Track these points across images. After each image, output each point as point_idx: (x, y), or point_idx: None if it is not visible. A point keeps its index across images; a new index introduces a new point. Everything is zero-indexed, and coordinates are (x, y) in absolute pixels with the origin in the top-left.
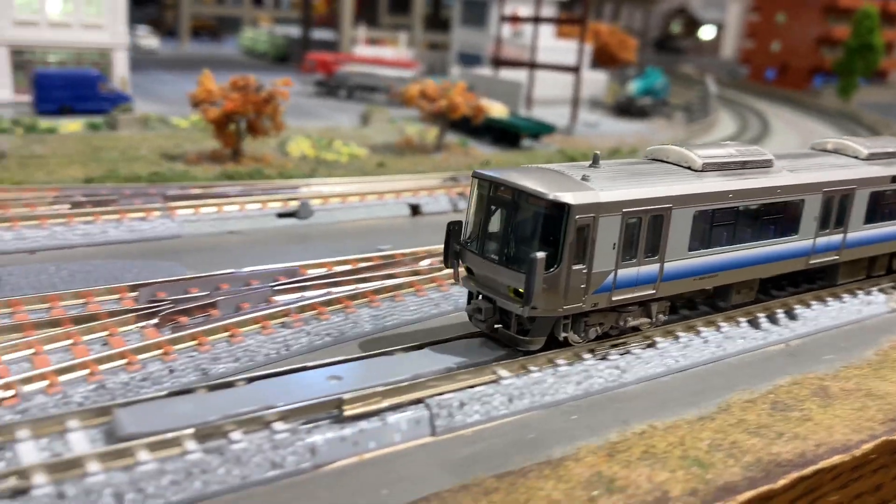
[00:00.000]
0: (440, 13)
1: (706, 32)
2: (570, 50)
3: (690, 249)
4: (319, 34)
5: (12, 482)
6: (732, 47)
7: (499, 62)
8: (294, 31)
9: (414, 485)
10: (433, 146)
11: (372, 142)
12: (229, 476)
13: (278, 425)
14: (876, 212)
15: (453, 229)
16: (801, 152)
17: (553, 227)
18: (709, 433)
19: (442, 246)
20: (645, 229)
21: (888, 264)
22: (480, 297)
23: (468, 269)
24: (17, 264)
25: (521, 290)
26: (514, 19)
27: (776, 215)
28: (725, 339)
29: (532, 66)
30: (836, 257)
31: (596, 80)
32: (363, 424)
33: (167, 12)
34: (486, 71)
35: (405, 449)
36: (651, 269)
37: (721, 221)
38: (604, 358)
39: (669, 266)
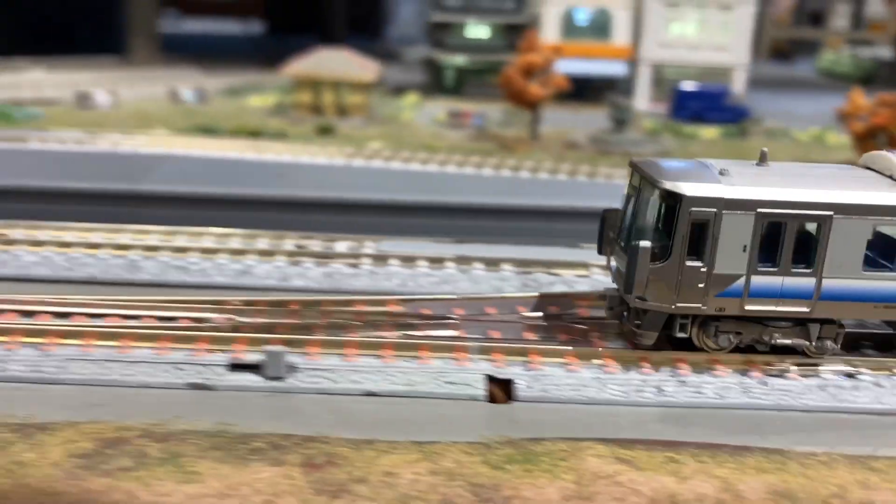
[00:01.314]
0: None
1: None
2: None
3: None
4: None
5: None
6: None
7: None
8: (882, 52)
9: None
10: None
11: None
12: None
13: None
14: None
15: (607, 216)
16: None
17: (667, 217)
18: None
19: None
20: (790, 236)
21: None
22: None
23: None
24: None
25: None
26: None
27: None
28: None
29: None
30: None
31: None
32: None
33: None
34: None
35: None
36: (802, 283)
37: None
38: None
39: (830, 283)
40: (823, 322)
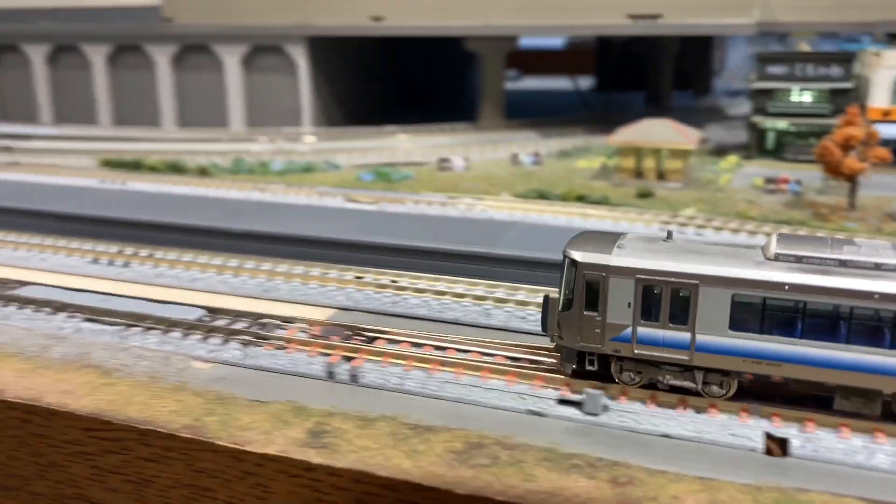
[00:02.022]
0: None
1: None
2: None
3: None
4: None
5: None
6: None
7: None
8: None
9: None
10: None
11: None
12: None
13: None
14: None
15: (549, 300)
16: None
17: (570, 277)
18: None
19: None
20: (666, 298)
21: None
22: None
23: None
24: None
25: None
26: None
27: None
28: None
29: None
30: None
31: None
32: None
33: None
34: None
35: None
36: (680, 336)
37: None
38: None
39: (702, 338)
40: (707, 370)
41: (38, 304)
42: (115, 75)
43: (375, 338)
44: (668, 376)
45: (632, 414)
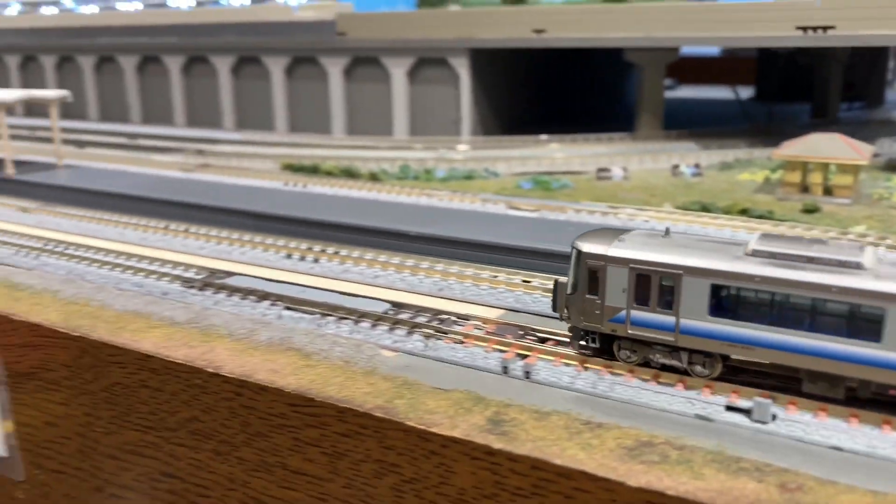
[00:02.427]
0: None
1: None
2: None
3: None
4: None
5: None
6: None
7: None
8: None
9: None
10: None
11: None
12: None
13: None
14: None
15: (558, 284)
16: None
17: (577, 265)
18: None
19: None
20: (655, 285)
21: None
22: None
23: None
24: None
25: None
26: None
27: None
28: None
29: None
30: None
31: None
32: None
33: None
34: None
35: None
36: (667, 319)
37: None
38: None
39: (685, 322)
40: (691, 351)
41: (244, 292)
42: (291, 85)
43: (547, 339)
44: (658, 355)
45: (801, 424)
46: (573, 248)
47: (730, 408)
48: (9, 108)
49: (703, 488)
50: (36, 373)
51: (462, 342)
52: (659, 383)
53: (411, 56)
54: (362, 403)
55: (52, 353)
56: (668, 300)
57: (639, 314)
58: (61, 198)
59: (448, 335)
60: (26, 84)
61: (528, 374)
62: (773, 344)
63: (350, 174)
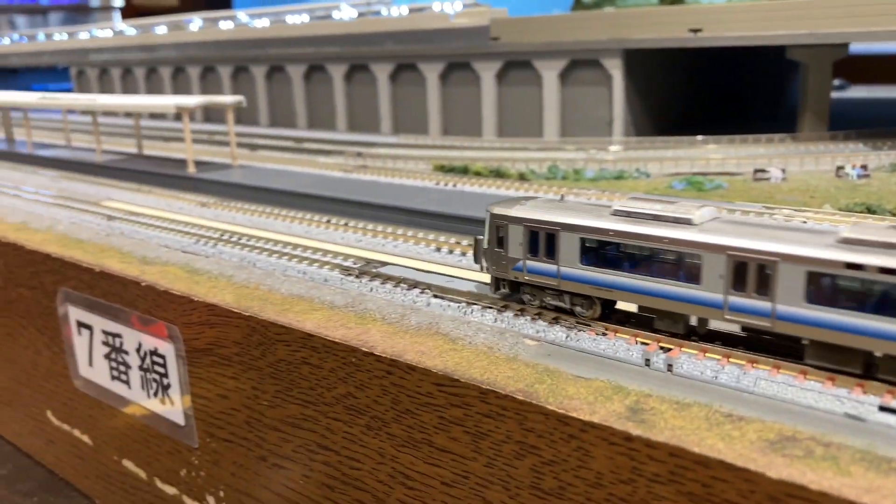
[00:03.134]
0: None
1: None
2: None
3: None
4: None
5: None
6: None
7: None
8: None
9: None
10: None
11: None
12: None
13: None
14: None
15: (478, 240)
16: None
17: (490, 224)
18: None
19: None
20: (543, 239)
21: None
22: None
23: None
24: None
25: None
26: None
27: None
28: None
29: None
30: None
31: None
32: None
33: None
34: None
35: None
36: (552, 267)
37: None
38: None
39: (564, 269)
40: (571, 294)
41: (396, 280)
42: (444, 90)
43: (689, 333)
44: (548, 298)
45: None
46: (487, 211)
47: (883, 408)
48: (191, 113)
49: (848, 485)
50: (211, 349)
51: (605, 334)
52: (806, 379)
53: (564, 58)
54: (504, 386)
55: (226, 332)
56: (552, 252)
57: (532, 263)
58: (236, 194)
59: (591, 327)
60: (205, 92)
61: (670, 367)
62: (630, 288)
63: (499, 174)
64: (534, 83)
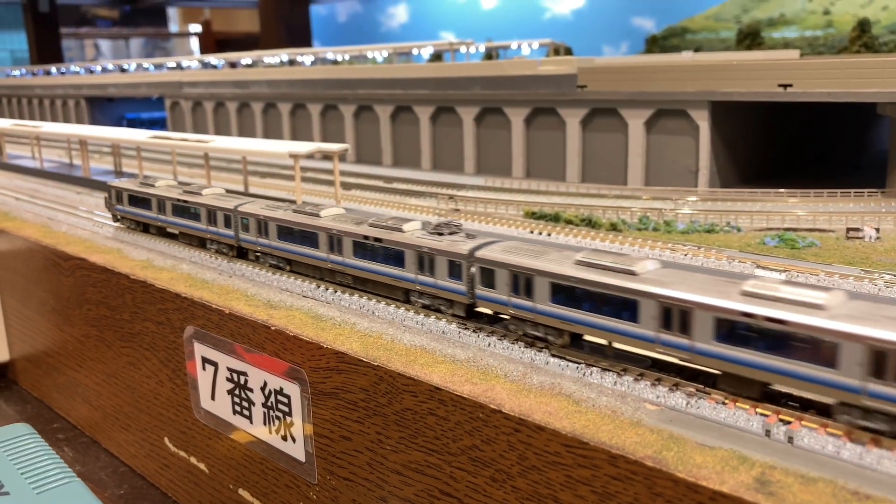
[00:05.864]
0: None
1: None
2: None
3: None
4: None
5: None
6: None
7: None
8: None
9: None
10: None
11: None
12: None
13: None
14: None
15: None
16: None
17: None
18: None
19: None
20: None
21: None
22: None
23: None
24: None
25: None
26: None
27: None
28: None
29: None
30: None
31: None
32: None
33: None
34: None
35: None
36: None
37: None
38: None
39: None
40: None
41: (514, 337)
42: (529, 133)
43: (809, 407)
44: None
45: None
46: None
47: None
48: (303, 157)
49: None
50: (337, 393)
51: (724, 402)
52: None
53: (650, 108)
54: (633, 451)
55: (353, 378)
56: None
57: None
58: None
59: (711, 395)
60: (294, 128)
61: (790, 440)
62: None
63: (590, 223)
64: (619, 130)
